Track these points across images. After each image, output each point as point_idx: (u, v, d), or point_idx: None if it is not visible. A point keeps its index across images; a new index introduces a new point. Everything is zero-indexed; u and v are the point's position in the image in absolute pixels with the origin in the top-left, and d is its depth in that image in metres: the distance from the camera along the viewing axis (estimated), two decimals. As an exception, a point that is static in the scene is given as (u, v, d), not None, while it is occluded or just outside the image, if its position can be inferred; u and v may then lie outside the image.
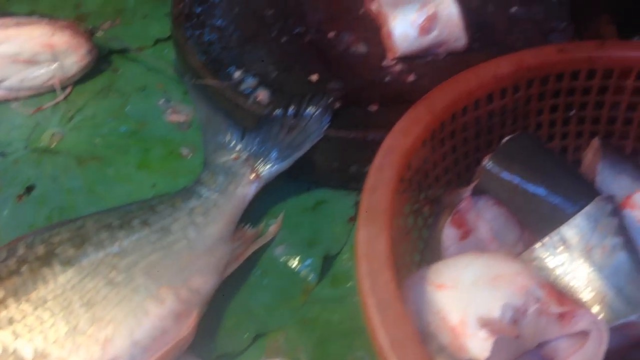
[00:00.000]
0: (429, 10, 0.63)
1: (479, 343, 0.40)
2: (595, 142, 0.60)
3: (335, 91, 0.63)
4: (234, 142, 0.62)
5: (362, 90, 0.64)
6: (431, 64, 0.66)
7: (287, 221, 0.61)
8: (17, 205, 0.63)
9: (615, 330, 0.43)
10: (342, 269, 0.59)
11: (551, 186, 0.50)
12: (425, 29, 0.63)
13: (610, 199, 0.47)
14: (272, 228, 0.60)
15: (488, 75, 0.57)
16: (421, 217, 0.56)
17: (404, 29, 0.64)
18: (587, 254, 0.45)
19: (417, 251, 0.54)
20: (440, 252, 0.52)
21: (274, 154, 0.60)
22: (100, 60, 0.75)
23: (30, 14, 0.76)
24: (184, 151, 0.68)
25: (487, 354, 0.39)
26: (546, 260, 0.47)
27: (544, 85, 0.59)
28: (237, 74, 0.64)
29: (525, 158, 0.52)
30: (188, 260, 0.53)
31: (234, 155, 0.61)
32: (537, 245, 0.47)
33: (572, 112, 0.62)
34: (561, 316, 0.42)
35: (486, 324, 0.40)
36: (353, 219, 0.61)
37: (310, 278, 0.57)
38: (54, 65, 0.70)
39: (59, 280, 0.49)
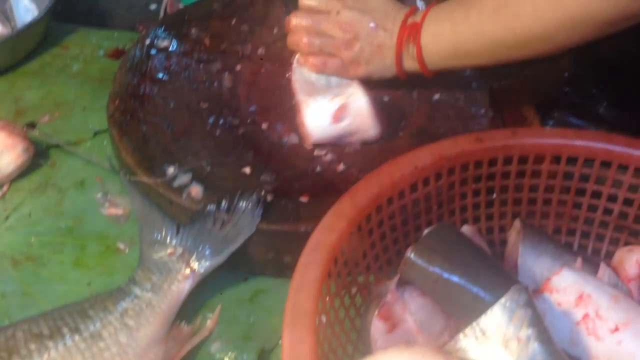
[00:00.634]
0: (340, 100, 0.67)
1: None
2: (517, 224, 0.63)
3: (268, 184, 0.65)
4: (169, 237, 0.62)
5: (294, 181, 0.66)
6: (359, 153, 0.69)
7: (224, 314, 0.62)
8: (-53, 312, 0.61)
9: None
10: (278, 362, 0.59)
11: (471, 276, 0.52)
12: (337, 118, 0.66)
13: (524, 289, 0.49)
14: (209, 323, 0.60)
15: (410, 167, 0.60)
16: (353, 307, 0.57)
17: (316, 117, 0.67)
18: (505, 344, 0.47)
19: (350, 343, 0.55)
20: (370, 345, 0.53)
21: (208, 249, 0.61)
22: (38, 155, 0.75)
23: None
24: (121, 245, 0.68)
25: None
26: (469, 352, 0.48)
27: (464, 172, 0.62)
28: (171, 170, 0.65)
29: (445, 249, 0.54)
30: (119, 367, 0.52)
31: (169, 251, 0.62)
32: (460, 336, 0.49)
33: (494, 196, 0.65)
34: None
35: None
36: (290, 310, 0.62)
37: (245, 375, 0.57)
38: (-11, 166, 0.70)
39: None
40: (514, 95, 0.77)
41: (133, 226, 0.69)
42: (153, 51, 0.79)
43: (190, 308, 0.61)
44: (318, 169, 0.67)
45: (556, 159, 0.63)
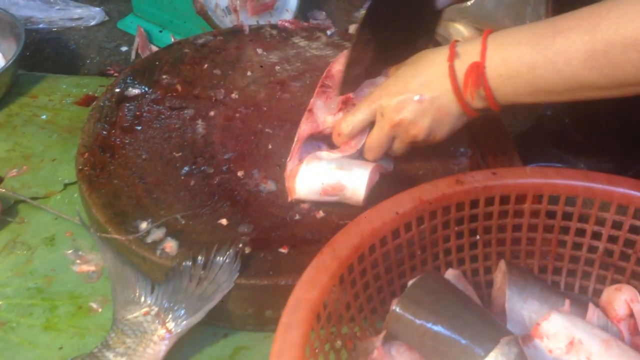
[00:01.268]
0: (339, 177, 0.63)
1: None
2: (502, 265, 0.62)
3: (245, 235, 0.63)
4: (143, 296, 0.60)
5: (273, 231, 0.64)
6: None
7: (204, 375, 0.59)
8: None
9: None
10: None
11: (459, 328, 0.50)
12: (328, 193, 0.64)
13: (514, 341, 0.47)
14: (188, 386, 0.58)
15: (390, 213, 0.58)
16: (338, 363, 0.55)
17: (309, 180, 0.64)
18: (498, 402, 0.45)
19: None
20: (358, 405, 0.50)
21: (185, 307, 0.59)
22: (6, 212, 0.72)
23: None
24: (94, 305, 0.65)
25: None
26: (460, 409, 0.46)
27: (446, 215, 0.61)
28: (144, 225, 0.63)
29: (432, 300, 0.52)
30: None
31: (143, 310, 0.59)
32: (451, 393, 0.47)
33: (477, 237, 0.63)
34: None
35: None
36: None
37: None
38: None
39: None
40: (492, 128, 0.77)
41: (106, 283, 0.66)
42: (123, 100, 0.77)
43: (168, 371, 0.58)
44: (297, 217, 0.65)
45: (538, 198, 0.62)
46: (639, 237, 0.59)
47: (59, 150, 0.81)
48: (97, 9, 1.14)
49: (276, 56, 0.85)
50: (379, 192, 0.66)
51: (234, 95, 0.79)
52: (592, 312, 0.57)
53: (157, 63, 0.83)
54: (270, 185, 0.68)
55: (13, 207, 0.74)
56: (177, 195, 0.66)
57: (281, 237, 0.63)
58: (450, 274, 0.62)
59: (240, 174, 0.69)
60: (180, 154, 0.71)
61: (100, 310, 0.65)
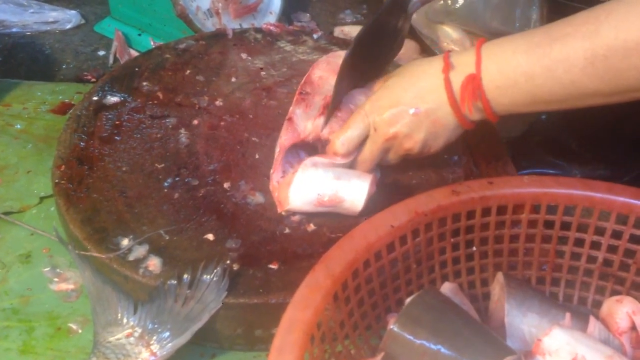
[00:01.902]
0: (337, 188, 0.61)
1: None
2: (500, 277, 0.60)
3: (233, 251, 0.60)
4: (125, 317, 0.57)
5: (262, 246, 0.61)
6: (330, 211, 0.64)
7: (191, 399, 0.56)
8: None
9: None
10: None
11: (460, 347, 0.48)
12: (323, 204, 0.61)
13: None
14: (173, 413, 0.55)
15: (385, 226, 0.56)
16: (333, 385, 0.52)
17: (304, 190, 0.61)
18: None
19: None
20: None
21: (170, 329, 0.56)
22: (-22, 228, 0.69)
23: None
24: (73, 326, 0.61)
25: None
26: None
27: (442, 226, 0.59)
28: (125, 242, 0.60)
29: (431, 318, 0.50)
30: None
31: (126, 332, 0.56)
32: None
33: (474, 249, 0.61)
34: None
35: None
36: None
37: None
38: None
39: None
40: (484, 135, 0.75)
41: (86, 302, 0.62)
42: (101, 108, 0.73)
43: (152, 394, 0.55)
44: (287, 230, 0.62)
45: (536, 208, 0.61)
46: (640, 247, 0.58)
47: (34, 161, 0.77)
48: (73, 11, 1.09)
49: (261, 61, 0.83)
50: (372, 202, 0.63)
51: (218, 103, 0.76)
52: (594, 325, 0.55)
53: (136, 69, 0.79)
54: (258, 197, 0.65)
55: (-14, 222, 0.70)
56: (160, 209, 0.63)
57: (271, 253, 0.60)
58: (447, 287, 0.60)
59: (226, 185, 0.66)
60: (162, 165, 0.68)
61: (80, 331, 0.61)
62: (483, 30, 0.92)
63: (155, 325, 0.56)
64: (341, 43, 0.87)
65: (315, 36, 0.87)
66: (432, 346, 0.49)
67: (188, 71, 0.79)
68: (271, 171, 0.65)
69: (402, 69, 0.64)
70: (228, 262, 0.58)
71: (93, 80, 0.97)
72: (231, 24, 0.98)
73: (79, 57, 1.03)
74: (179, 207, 0.64)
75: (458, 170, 0.68)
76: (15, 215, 0.71)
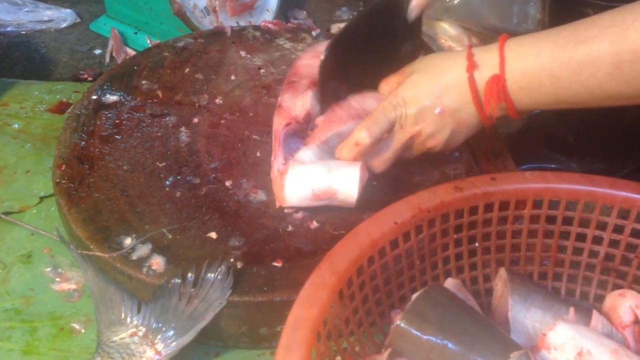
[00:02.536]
0: (329, 181, 0.60)
1: None
2: (503, 273, 0.60)
3: (237, 249, 0.60)
4: (129, 317, 0.57)
5: (265, 244, 0.61)
6: (333, 208, 0.64)
7: (196, 398, 0.56)
8: None
9: None
10: None
11: (467, 343, 0.48)
12: (319, 198, 0.61)
13: (525, 355, 0.46)
14: (179, 410, 0.55)
15: (389, 223, 0.56)
16: (339, 382, 0.52)
17: (298, 188, 0.61)
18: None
19: None
20: None
21: (174, 328, 0.56)
22: (-22, 229, 0.68)
23: None
24: (76, 326, 0.61)
25: None
26: None
27: (445, 222, 0.59)
28: (128, 241, 0.59)
29: (437, 314, 0.50)
30: None
31: (130, 331, 0.56)
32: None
33: (476, 245, 0.62)
34: None
35: None
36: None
37: None
38: None
39: None
40: (483, 130, 0.75)
41: (88, 302, 0.62)
42: (100, 107, 0.73)
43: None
44: (290, 228, 0.62)
45: (538, 203, 0.61)
46: (642, 241, 0.58)
47: (33, 161, 0.76)
48: (68, 10, 1.09)
49: (260, 59, 0.82)
50: (374, 199, 0.63)
51: (218, 101, 0.76)
52: (597, 319, 0.55)
53: (135, 68, 0.79)
54: (260, 195, 0.65)
55: (-15, 223, 0.70)
56: (162, 208, 0.63)
57: (274, 250, 0.60)
58: (450, 283, 0.60)
59: (228, 183, 0.66)
60: (163, 164, 0.68)
61: (83, 331, 0.61)
62: (481, 27, 0.93)
63: (160, 324, 0.56)
64: (340, 40, 0.86)
65: (314, 33, 0.87)
66: (439, 342, 0.49)
67: (187, 69, 0.79)
68: (272, 158, 0.65)
69: (425, 63, 0.64)
70: (232, 260, 0.58)
71: (90, 79, 0.96)
72: (228, 22, 0.98)
73: (75, 56, 1.03)
74: (181, 205, 0.63)
75: (459, 167, 0.68)
76: (15, 215, 0.70)
